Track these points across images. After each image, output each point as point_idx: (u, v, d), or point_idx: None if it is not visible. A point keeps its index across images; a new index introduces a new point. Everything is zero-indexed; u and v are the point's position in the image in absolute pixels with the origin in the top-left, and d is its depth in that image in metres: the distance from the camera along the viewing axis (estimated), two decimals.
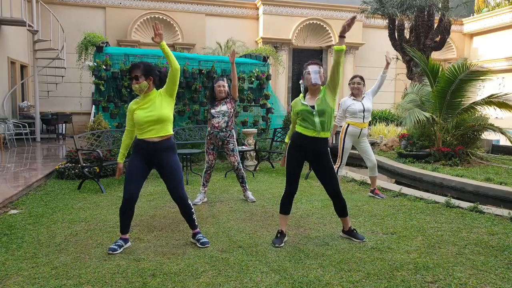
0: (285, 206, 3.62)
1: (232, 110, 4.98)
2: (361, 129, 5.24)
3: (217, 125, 4.91)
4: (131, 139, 3.49)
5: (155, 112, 3.29)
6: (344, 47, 3.26)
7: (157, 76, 3.39)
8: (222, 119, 4.91)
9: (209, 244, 3.51)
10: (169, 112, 3.36)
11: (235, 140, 5.12)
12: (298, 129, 3.53)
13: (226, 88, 4.97)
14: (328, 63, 15.95)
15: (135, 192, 3.36)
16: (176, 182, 3.42)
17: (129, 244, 3.47)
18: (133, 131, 3.45)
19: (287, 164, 3.60)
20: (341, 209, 3.66)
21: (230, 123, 4.98)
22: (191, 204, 3.56)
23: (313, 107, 3.45)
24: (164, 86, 3.40)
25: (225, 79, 5.06)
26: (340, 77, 3.41)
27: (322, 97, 3.46)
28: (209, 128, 5.01)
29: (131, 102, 3.44)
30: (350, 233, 3.73)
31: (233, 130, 5.09)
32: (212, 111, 4.95)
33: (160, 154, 3.37)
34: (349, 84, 5.37)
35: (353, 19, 3.19)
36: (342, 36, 3.28)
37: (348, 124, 5.28)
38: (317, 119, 3.42)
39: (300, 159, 3.59)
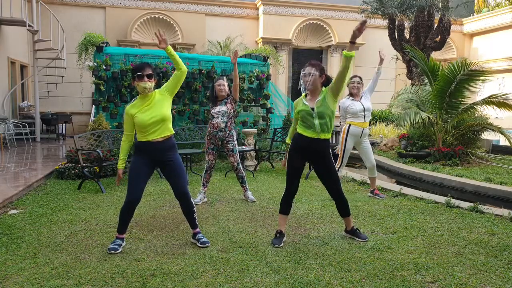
0: (285, 206, 3.63)
1: (232, 110, 4.99)
2: (363, 129, 5.23)
3: (216, 125, 4.93)
4: (130, 143, 3.46)
5: (158, 112, 3.31)
6: (353, 53, 3.19)
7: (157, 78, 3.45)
8: (221, 119, 4.93)
9: (209, 244, 3.51)
10: (169, 111, 3.42)
11: (235, 140, 5.12)
12: (299, 130, 3.53)
13: (226, 88, 5.00)
14: (328, 63, 15.96)
15: (139, 194, 3.37)
16: (180, 179, 3.45)
17: (124, 243, 3.48)
18: (132, 135, 3.42)
19: (288, 164, 3.60)
20: (343, 209, 3.68)
21: (229, 123, 5.00)
22: (194, 203, 3.58)
23: (313, 108, 3.42)
24: (166, 85, 3.44)
25: (225, 78, 5.09)
26: (346, 82, 3.40)
27: (322, 99, 3.42)
28: (209, 128, 5.03)
29: (128, 107, 3.41)
30: (353, 232, 3.74)
31: (232, 130, 5.09)
32: (212, 111, 4.98)
33: (164, 153, 3.39)
34: (347, 84, 5.35)
35: (363, 24, 3.11)
36: (352, 42, 3.19)
37: (350, 125, 5.26)
38: (316, 121, 3.41)
39: (301, 160, 3.58)
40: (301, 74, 3.50)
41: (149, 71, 3.32)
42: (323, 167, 3.56)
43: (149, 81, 3.31)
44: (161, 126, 3.33)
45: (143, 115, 3.30)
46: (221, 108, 4.94)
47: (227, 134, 5.00)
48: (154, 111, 3.31)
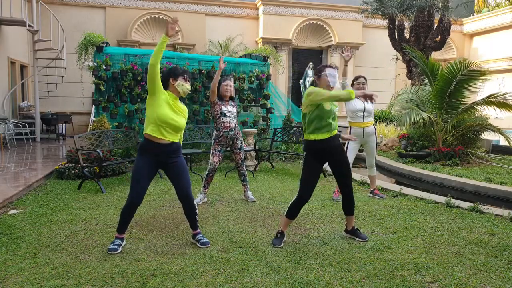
0: (295, 212, 3.60)
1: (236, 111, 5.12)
2: (364, 128, 5.21)
3: (228, 125, 4.93)
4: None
5: (181, 122, 3.38)
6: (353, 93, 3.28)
7: None
8: (232, 120, 4.98)
9: (210, 244, 3.51)
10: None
11: (242, 137, 5.19)
12: (312, 136, 3.51)
13: (233, 88, 5.03)
14: (328, 63, 15.94)
15: (142, 194, 3.37)
16: (184, 182, 3.46)
17: (124, 243, 3.48)
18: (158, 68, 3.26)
19: (307, 171, 3.55)
20: (349, 206, 3.70)
21: (236, 123, 5.08)
22: (196, 205, 3.59)
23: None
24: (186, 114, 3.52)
25: (232, 78, 5.08)
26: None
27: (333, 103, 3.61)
28: (219, 131, 4.96)
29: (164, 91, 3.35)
30: (353, 232, 3.74)
31: (238, 128, 5.16)
32: (223, 108, 4.94)
33: (170, 156, 3.41)
34: (352, 84, 5.30)
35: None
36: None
37: (350, 127, 5.26)
38: (333, 121, 3.53)
39: (320, 166, 3.59)
40: (324, 73, 3.49)
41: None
42: (339, 161, 3.61)
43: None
44: (176, 133, 3.39)
45: (171, 112, 3.32)
46: (233, 109, 5.02)
47: (236, 132, 5.05)
48: (180, 119, 3.37)
